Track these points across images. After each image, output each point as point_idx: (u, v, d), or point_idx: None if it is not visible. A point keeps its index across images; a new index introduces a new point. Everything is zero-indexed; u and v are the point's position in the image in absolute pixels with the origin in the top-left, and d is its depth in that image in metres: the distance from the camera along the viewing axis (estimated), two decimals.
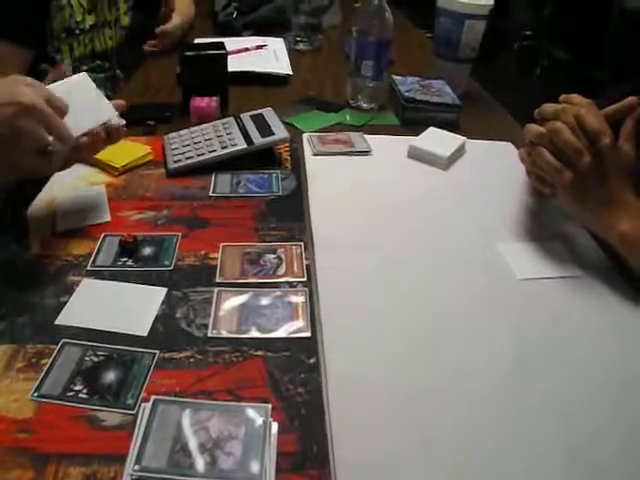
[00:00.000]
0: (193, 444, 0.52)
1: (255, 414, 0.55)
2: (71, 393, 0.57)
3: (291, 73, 1.41)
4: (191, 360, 0.61)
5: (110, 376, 0.59)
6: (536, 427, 0.57)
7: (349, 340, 0.66)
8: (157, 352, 0.62)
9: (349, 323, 0.68)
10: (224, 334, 0.65)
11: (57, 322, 0.65)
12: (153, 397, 0.57)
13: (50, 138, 0.69)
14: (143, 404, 0.56)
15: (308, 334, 0.65)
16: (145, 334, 0.65)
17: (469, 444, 0.55)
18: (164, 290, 0.71)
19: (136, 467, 0.50)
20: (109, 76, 1.49)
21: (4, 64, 1.25)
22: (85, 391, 0.57)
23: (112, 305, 0.68)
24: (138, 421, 0.54)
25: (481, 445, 0.55)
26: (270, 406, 0.56)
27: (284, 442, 0.53)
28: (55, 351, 0.61)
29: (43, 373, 0.59)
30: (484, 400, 0.60)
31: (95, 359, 0.61)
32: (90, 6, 1.37)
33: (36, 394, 0.56)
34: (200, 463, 0.51)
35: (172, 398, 0.57)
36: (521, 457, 0.54)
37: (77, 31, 1.35)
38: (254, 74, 1.36)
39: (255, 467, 0.51)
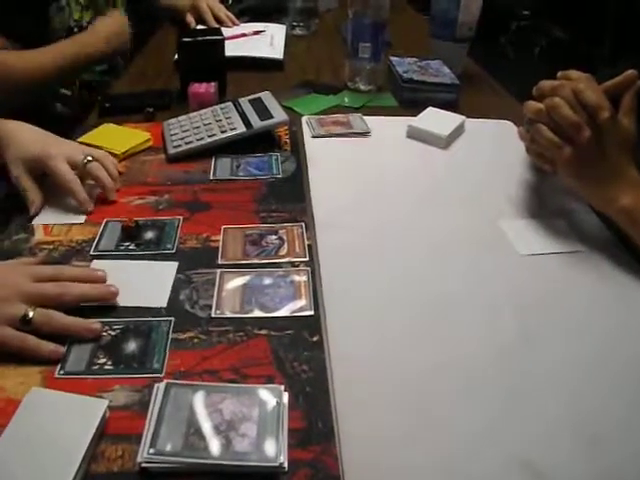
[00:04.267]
0: (207, 427, 0.52)
1: (268, 395, 0.55)
2: (96, 367, 0.59)
3: (281, 58, 1.40)
4: (195, 340, 0.62)
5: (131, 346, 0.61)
6: (540, 401, 0.57)
7: (352, 317, 0.66)
8: (172, 319, 0.64)
9: (351, 301, 0.68)
10: (227, 314, 0.65)
11: None
12: (165, 381, 0.56)
13: None
14: (156, 385, 0.56)
15: (311, 312, 0.66)
16: (165, 305, 0.66)
17: (472, 418, 0.55)
18: (175, 264, 0.72)
19: (151, 450, 0.49)
20: (109, 66, 1.49)
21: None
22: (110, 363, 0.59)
23: (125, 282, 0.68)
24: (151, 405, 0.54)
25: (485, 419, 0.55)
26: (283, 387, 0.56)
27: (290, 418, 0.53)
28: None
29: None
30: (487, 375, 0.60)
31: (113, 333, 0.62)
32: (87, 2, 1.37)
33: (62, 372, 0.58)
34: (215, 445, 0.50)
35: (184, 382, 0.56)
36: (526, 431, 0.54)
37: (76, 29, 1.35)
38: (249, 59, 1.36)
39: (270, 448, 0.50)
